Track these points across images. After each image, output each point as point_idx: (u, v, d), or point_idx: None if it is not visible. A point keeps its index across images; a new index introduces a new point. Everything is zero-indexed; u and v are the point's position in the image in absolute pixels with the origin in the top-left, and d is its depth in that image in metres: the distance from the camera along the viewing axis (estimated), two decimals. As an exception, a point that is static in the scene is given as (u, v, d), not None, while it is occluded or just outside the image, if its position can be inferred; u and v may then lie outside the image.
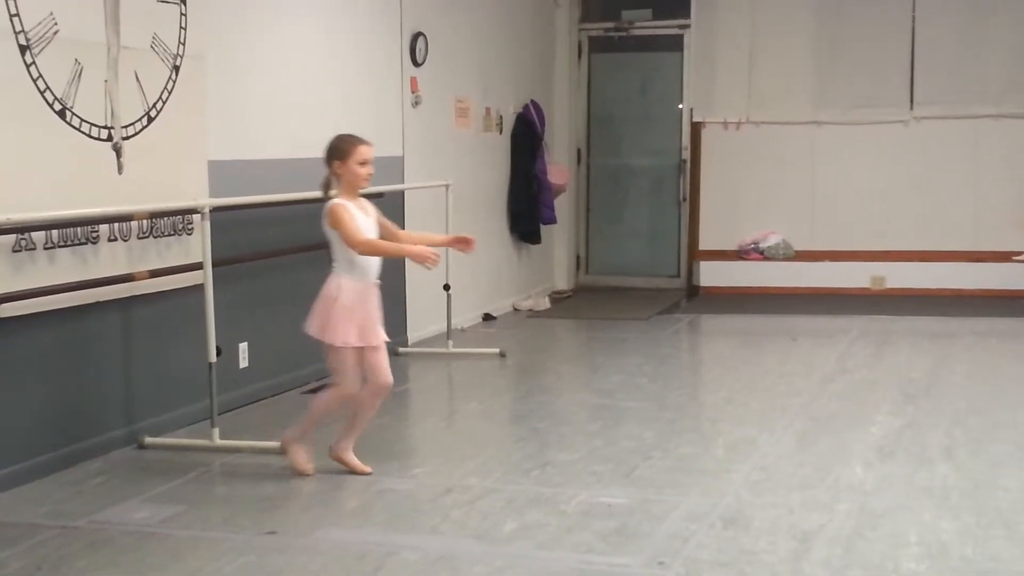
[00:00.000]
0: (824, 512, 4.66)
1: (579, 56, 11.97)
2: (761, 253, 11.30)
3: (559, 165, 11.15)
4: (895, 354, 8.17)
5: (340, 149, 5.11)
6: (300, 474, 5.21)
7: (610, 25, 11.93)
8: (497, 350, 8.18)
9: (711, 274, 11.35)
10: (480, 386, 7.43)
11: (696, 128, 11.66)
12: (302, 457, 5.24)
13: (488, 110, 10.01)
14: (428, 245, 5.26)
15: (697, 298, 11.12)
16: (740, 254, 11.39)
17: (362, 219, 5.12)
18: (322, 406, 5.28)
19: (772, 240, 11.28)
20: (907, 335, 8.90)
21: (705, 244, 11.58)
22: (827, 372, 7.48)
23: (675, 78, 11.81)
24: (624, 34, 11.89)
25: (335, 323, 5.06)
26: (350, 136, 5.18)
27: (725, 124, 11.56)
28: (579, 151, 12.00)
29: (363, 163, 5.11)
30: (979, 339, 8.75)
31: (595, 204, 12.07)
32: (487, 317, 9.76)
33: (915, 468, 5.29)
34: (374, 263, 5.17)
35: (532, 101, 10.74)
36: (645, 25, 11.87)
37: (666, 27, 11.83)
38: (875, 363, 7.86)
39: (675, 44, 11.80)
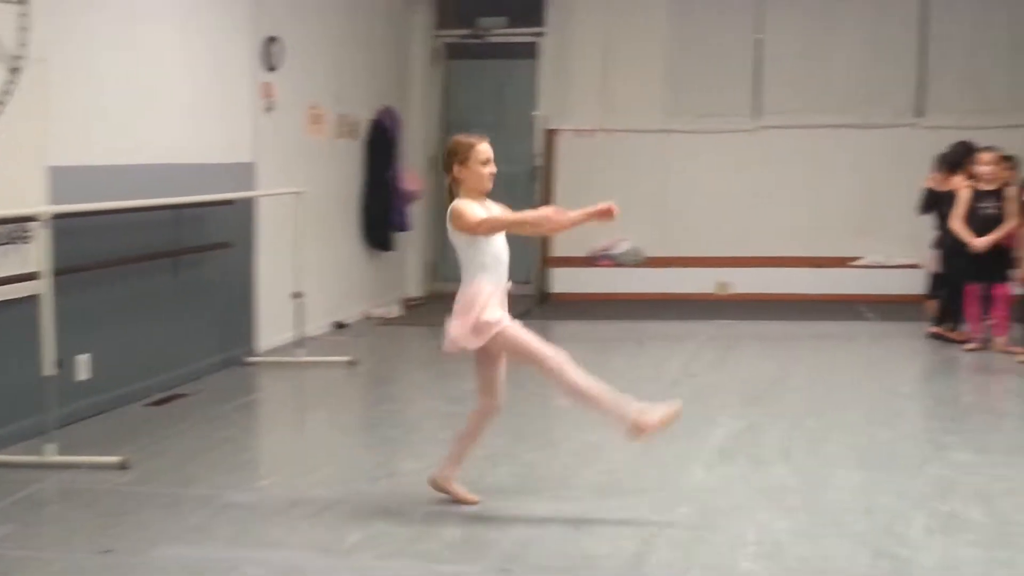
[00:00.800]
0: (666, 515, 4.76)
1: (435, 63, 11.98)
2: (612, 259, 11.47)
3: (414, 172, 11.14)
4: (739, 358, 8.38)
5: (459, 151, 4.79)
6: (470, 502, 4.92)
7: (466, 32, 11.97)
8: (348, 358, 8.12)
9: (563, 280, 11.48)
10: (330, 395, 7.37)
11: (550, 135, 11.78)
12: (461, 488, 4.97)
13: (342, 116, 9.94)
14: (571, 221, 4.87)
15: (549, 304, 11.23)
16: (591, 260, 11.54)
17: (483, 212, 4.76)
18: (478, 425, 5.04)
19: (623, 247, 11.47)
20: (751, 339, 9.15)
21: (557, 251, 11.71)
22: (674, 376, 7.63)
23: (530, 85, 11.92)
24: (480, 41, 11.95)
25: (478, 329, 4.76)
26: (466, 136, 4.85)
27: (579, 131, 11.71)
28: (434, 158, 12.00)
29: (486, 162, 4.80)
30: (818, 342, 9.04)
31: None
32: (338, 325, 9.69)
33: (754, 469, 5.44)
34: (504, 263, 4.86)
35: (387, 107, 10.71)
36: (500, 32, 11.95)
37: (521, 35, 11.93)
38: (720, 367, 8.06)
39: (530, 52, 11.91)
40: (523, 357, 4.89)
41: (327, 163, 9.61)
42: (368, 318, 10.27)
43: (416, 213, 11.19)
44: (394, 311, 10.53)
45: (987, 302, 8.34)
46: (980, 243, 8.05)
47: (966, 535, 4.48)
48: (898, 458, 5.61)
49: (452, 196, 4.84)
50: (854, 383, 7.41)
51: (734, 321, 9.86)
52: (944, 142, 9.29)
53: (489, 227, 4.73)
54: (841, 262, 11.12)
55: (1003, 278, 8.11)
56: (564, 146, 11.79)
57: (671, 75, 11.57)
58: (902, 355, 8.39)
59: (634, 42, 11.63)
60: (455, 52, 12.08)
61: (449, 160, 4.81)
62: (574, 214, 4.75)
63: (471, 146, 4.79)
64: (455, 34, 12.01)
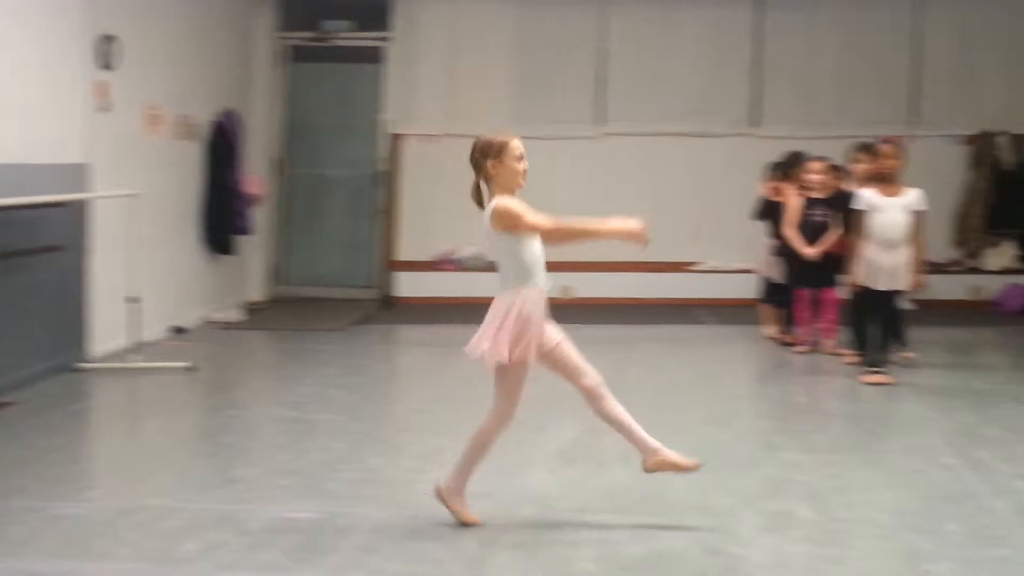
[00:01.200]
0: (507, 519, 4.78)
1: (278, 65, 11.82)
2: (456, 263, 11.49)
3: (256, 175, 10.96)
4: (581, 361, 8.47)
5: (492, 147, 4.60)
6: (471, 524, 4.71)
7: (310, 35, 11.85)
8: (186, 364, 7.94)
9: (407, 284, 11.46)
10: (166, 402, 7.18)
11: (396, 140, 11.74)
12: (467, 509, 4.75)
13: (182, 117, 9.71)
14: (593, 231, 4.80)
15: (393, 308, 11.19)
16: (435, 264, 11.55)
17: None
18: (484, 438, 4.80)
19: (467, 251, 11.50)
20: (592, 342, 9.15)
21: (402, 255, 11.68)
22: (516, 380, 7.65)
23: (375, 90, 11.87)
24: (324, 44, 11.84)
25: (517, 338, 4.61)
26: (498, 133, 4.69)
27: (424, 137, 11.70)
28: (277, 161, 11.84)
29: (520, 158, 4.64)
30: (657, 345, 9.22)
31: (293, 214, 11.95)
32: (177, 330, 9.46)
33: (594, 472, 5.51)
34: (543, 266, 4.71)
35: (229, 109, 10.51)
36: (346, 36, 11.86)
37: (367, 39, 11.87)
38: (562, 371, 8.13)
39: (376, 56, 11.85)
40: (568, 373, 4.79)
41: (166, 165, 9.38)
42: (209, 323, 10.05)
43: (258, 216, 11.01)
44: (235, 316, 10.34)
45: (817, 307, 8.63)
46: (811, 251, 8.33)
47: (795, 532, 4.62)
48: (732, 458, 5.76)
49: (479, 195, 4.71)
50: (691, 385, 7.58)
51: (576, 325, 9.87)
52: (777, 151, 9.60)
53: (558, 233, 4.64)
54: (680, 267, 11.37)
55: (832, 283, 8.40)
56: (409, 151, 11.77)
57: (517, 82, 11.66)
58: (737, 358, 8.63)
59: (480, 48, 11.69)
60: (299, 55, 11.94)
61: (482, 157, 4.63)
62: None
63: (505, 143, 4.62)
64: (299, 36, 11.88)
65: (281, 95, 11.87)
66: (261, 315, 10.75)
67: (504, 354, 4.62)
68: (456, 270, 11.48)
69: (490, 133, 4.69)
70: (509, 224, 4.56)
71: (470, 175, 12.41)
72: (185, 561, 4.25)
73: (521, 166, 4.64)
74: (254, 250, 11.33)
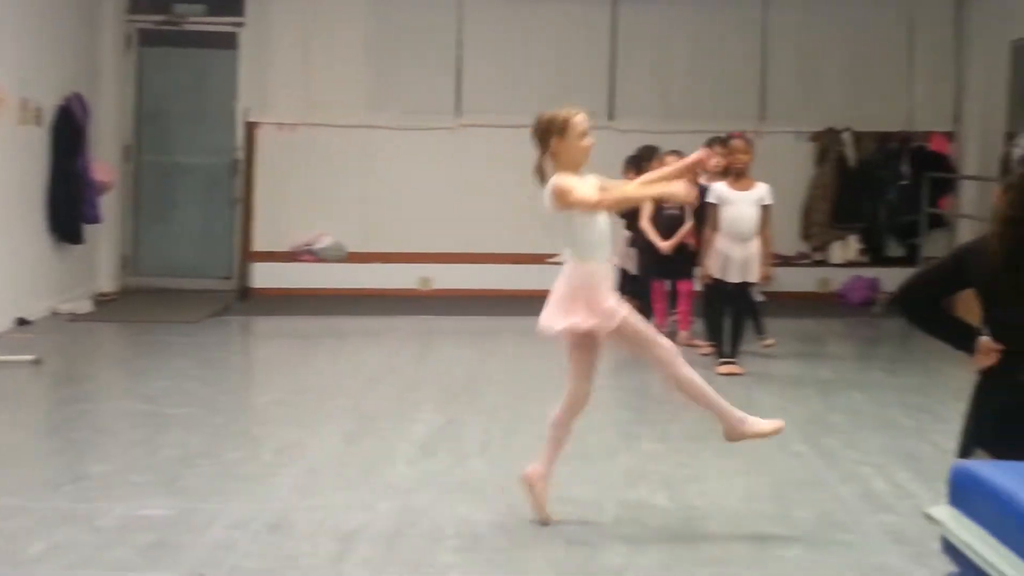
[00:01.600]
0: (367, 512, 4.75)
1: (128, 49, 11.48)
2: (314, 254, 11.36)
3: (105, 162, 10.63)
4: (440, 353, 8.49)
5: (556, 124, 4.50)
6: (543, 521, 4.60)
7: (161, 18, 11.53)
8: (32, 357, 7.65)
9: (264, 275, 11.26)
10: (11, 396, 6.90)
11: (251, 128, 11.53)
12: (545, 502, 4.64)
13: (25, 101, 9.35)
14: (663, 180, 4.72)
15: (250, 300, 10.99)
16: (294, 255, 11.39)
17: (588, 186, 4.53)
18: (564, 421, 4.72)
19: (325, 242, 11.38)
20: (451, 334, 9.28)
21: (258, 245, 11.48)
22: (375, 372, 7.63)
23: (230, 76, 11.62)
24: (176, 28, 11.54)
25: (588, 314, 4.51)
26: (561, 110, 4.55)
27: (280, 125, 11.52)
28: (127, 147, 11.51)
29: (583, 135, 4.51)
30: (515, 337, 9.24)
31: (144, 202, 11.63)
32: (21, 322, 9.11)
33: (454, 463, 5.51)
34: (607, 242, 4.62)
35: (76, 93, 10.16)
36: (198, 20, 11.58)
37: (220, 24, 11.60)
38: (421, 362, 8.13)
39: (229, 42, 11.61)
40: (641, 345, 4.64)
41: (8, 151, 9.03)
42: (56, 314, 9.70)
43: (107, 204, 10.67)
44: (84, 307, 10.01)
45: (672, 298, 8.79)
46: (666, 245, 8.46)
47: (652, 520, 4.71)
48: (589, 448, 5.80)
49: (541, 174, 4.63)
50: (550, 376, 7.59)
51: (435, 317, 9.97)
52: (632, 144, 9.74)
53: (614, 202, 4.57)
54: (539, 258, 11.44)
55: (686, 275, 8.56)
56: (265, 139, 11.57)
57: (374, 71, 11.57)
58: (595, 349, 8.70)
59: (336, 36, 11.55)
60: (150, 39, 11.61)
61: (545, 134, 4.55)
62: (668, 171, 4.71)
63: (568, 118, 4.53)
64: (150, 20, 11.55)
65: (131, 80, 11.53)
66: (111, 306, 10.44)
67: (579, 328, 4.53)
68: (314, 261, 11.34)
69: (553, 109, 4.63)
70: (562, 201, 4.51)
71: (328, 164, 12.31)
72: (32, 561, 4.11)
73: (585, 142, 4.56)
74: (103, 239, 10.99)
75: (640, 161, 9.06)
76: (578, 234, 4.58)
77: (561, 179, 4.51)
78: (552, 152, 4.57)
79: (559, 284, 4.65)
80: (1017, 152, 3.24)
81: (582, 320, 4.53)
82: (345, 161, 11.52)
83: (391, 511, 4.77)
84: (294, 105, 11.53)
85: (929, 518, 1.57)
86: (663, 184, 4.75)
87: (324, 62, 11.53)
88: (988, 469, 1.62)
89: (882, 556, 4.35)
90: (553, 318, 4.62)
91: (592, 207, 4.50)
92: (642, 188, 4.85)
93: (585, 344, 4.64)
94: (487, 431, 6.14)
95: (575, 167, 4.58)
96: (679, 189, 4.61)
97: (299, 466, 5.43)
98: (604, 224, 4.65)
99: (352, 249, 11.45)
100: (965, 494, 1.66)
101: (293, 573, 4.10)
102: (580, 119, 4.56)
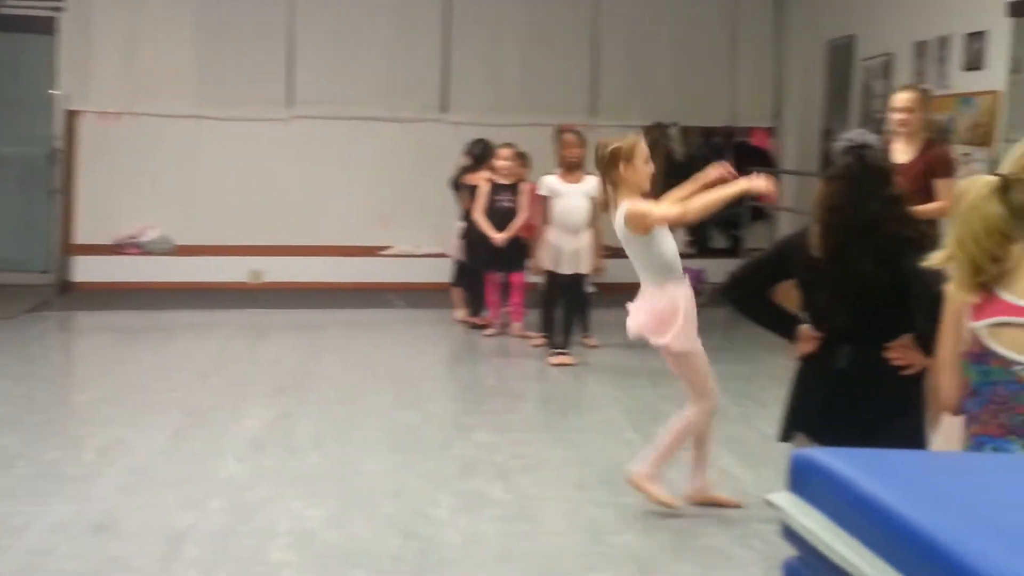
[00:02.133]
0: (197, 510, 4.64)
1: (-66, 31, 10.92)
2: (140, 247, 11.03)
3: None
4: (271, 347, 8.34)
5: (623, 151, 4.63)
6: (670, 506, 4.64)
7: (-27, 0, 11.01)
8: None
9: (87, 269, 10.85)
10: None
11: (71, 116, 11.11)
12: (664, 491, 4.67)
13: None
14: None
15: (71, 294, 10.58)
16: (118, 248, 11.03)
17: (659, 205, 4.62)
18: (685, 428, 4.65)
19: (151, 234, 11.04)
20: (283, 328, 9.13)
21: (80, 238, 11.07)
22: (204, 367, 7.44)
23: (48, 63, 11.16)
24: (-10, 11, 11.04)
25: (686, 328, 4.54)
26: (625, 136, 4.74)
27: (103, 114, 11.14)
28: (-64, 135, 10.96)
29: (647, 160, 4.68)
30: (348, 330, 9.19)
31: (-45, 193, 11.09)
32: None
33: (287, 459, 5.42)
34: (679, 258, 4.66)
35: None
36: (14, 4, 11.08)
37: (37, 8, 11.12)
38: (252, 356, 7.97)
39: (47, 27, 11.13)
40: (694, 383, 4.69)
41: None
42: None
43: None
44: None
45: (505, 290, 8.85)
46: (499, 237, 8.51)
47: (488, 511, 4.73)
48: (424, 440, 5.82)
49: (606, 201, 4.76)
50: (383, 369, 7.59)
51: (266, 310, 9.79)
52: (466, 137, 9.76)
53: (696, 212, 4.57)
54: (372, 251, 11.38)
55: (519, 267, 8.63)
56: (87, 129, 11.16)
57: (201, 60, 11.27)
58: (429, 341, 8.71)
59: (162, 23, 11.21)
60: (-40, 22, 11.07)
61: (612, 162, 4.66)
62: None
63: (634, 145, 4.69)
64: (-40, 2, 11.01)
65: (-59, 64, 10.97)
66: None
67: (693, 346, 4.62)
68: (140, 254, 11.00)
69: (615, 137, 4.79)
70: (641, 225, 4.59)
71: (155, 155, 11.93)
72: None
73: (649, 168, 4.73)
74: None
75: (474, 154, 9.07)
76: (655, 258, 4.68)
77: (634, 203, 4.62)
78: (620, 179, 4.69)
79: (664, 302, 4.67)
80: (839, 145, 3.39)
81: (684, 339, 4.63)
82: (172, 152, 11.21)
83: (222, 509, 4.67)
84: (118, 93, 11.15)
85: (769, 504, 1.61)
86: (744, 182, 4.67)
87: (149, 49, 11.17)
88: (826, 456, 1.67)
89: (710, 539, 4.47)
90: (666, 334, 4.67)
91: (679, 219, 4.64)
92: (721, 192, 4.71)
93: (699, 358, 4.71)
94: (320, 425, 6.06)
95: (640, 191, 4.72)
96: (761, 184, 4.58)
97: (124, 465, 5.26)
98: (673, 242, 4.78)
99: (180, 242, 11.15)
100: (804, 480, 1.71)
101: (119, 575, 3.97)
102: (643, 146, 4.76)
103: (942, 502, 1.63)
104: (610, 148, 4.71)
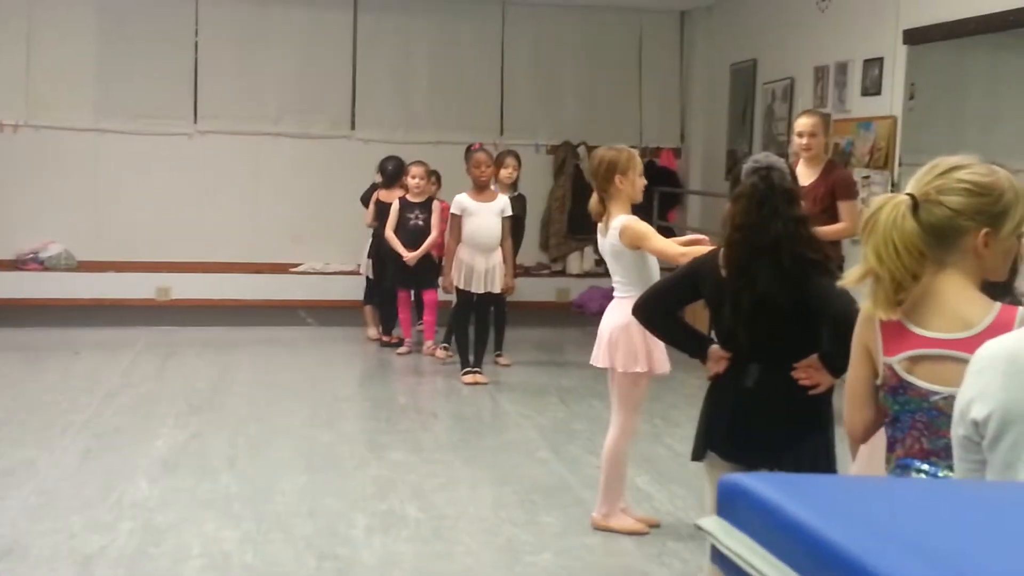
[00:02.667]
0: (107, 532, 4.58)
1: None
2: (41, 263, 10.79)
3: None
4: (180, 365, 8.22)
5: (621, 162, 4.62)
6: (644, 531, 4.75)
7: None
8: None
9: (-16, 285, 10.60)
10: None
11: (-33, 128, 10.86)
12: (632, 520, 4.78)
13: None
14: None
15: (-31, 311, 10.32)
16: (18, 264, 10.79)
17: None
18: (617, 452, 4.70)
19: (53, 250, 10.82)
20: (192, 345, 9.01)
21: (-22, 254, 10.82)
22: (111, 386, 7.31)
23: (-59, 73, 10.89)
24: None
25: (641, 350, 4.56)
26: (620, 147, 4.71)
27: (1, 127, 10.90)
28: None
29: (641, 173, 4.68)
30: (260, 347, 9.10)
31: None
32: None
33: (199, 480, 5.36)
34: None
35: None
36: (-93, 14, 10.80)
37: (-68, 17, 10.86)
38: (161, 375, 7.85)
39: (-59, 35, 10.87)
40: (626, 405, 4.72)
41: None
42: None
43: None
44: None
45: (417, 308, 8.85)
46: (410, 256, 8.52)
47: (404, 531, 4.74)
48: (339, 460, 5.80)
49: (601, 211, 4.71)
50: (296, 387, 7.54)
51: (174, 327, 9.65)
52: (375, 154, 9.75)
53: (691, 259, 4.33)
54: (282, 268, 11.29)
55: (431, 285, 8.64)
56: (-16, 141, 10.91)
57: (103, 73, 11.08)
58: (341, 359, 8.67)
59: (61, 36, 10.99)
60: None
61: (609, 172, 4.64)
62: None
63: (631, 156, 4.68)
64: None
65: None
66: None
67: (633, 365, 4.62)
68: (41, 270, 10.77)
69: (610, 147, 4.75)
70: (633, 245, 4.62)
71: (55, 168, 11.62)
72: None
73: (642, 181, 4.74)
74: None
75: (394, 177, 9.03)
76: (643, 274, 4.66)
77: (635, 222, 4.65)
78: (614, 189, 4.68)
79: (620, 321, 4.61)
80: (746, 167, 3.48)
81: (643, 362, 4.64)
82: (73, 165, 11.01)
83: (133, 531, 4.61)
84: (15, 105, 10.92)
85: (699, 528, 1.65)
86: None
87: (49, 62, 10.96)
88: (753, 481, 1.71)
89: (626, 558, 4.53)
90: (627, 357, 4.65)
91: (673, 258, 4.54)
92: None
93: (642, 380, 4.73)
94: (233, 445, 6.00)
95: (631, 204, 4.73)
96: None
97: (30, 487, 5.16)
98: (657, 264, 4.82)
99: (82, 257, 10.94)
100: (732, 505, 1.75)
101: (21, 601, 3.90)
102: (638, 158, 4.77)
103: (868, 525, 1.69)
104: (607, 159, 4.71)
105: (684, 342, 3.86)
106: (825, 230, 6.06)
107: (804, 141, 6.36)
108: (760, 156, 3.62)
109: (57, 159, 10.94)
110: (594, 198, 4.81)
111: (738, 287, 3.49)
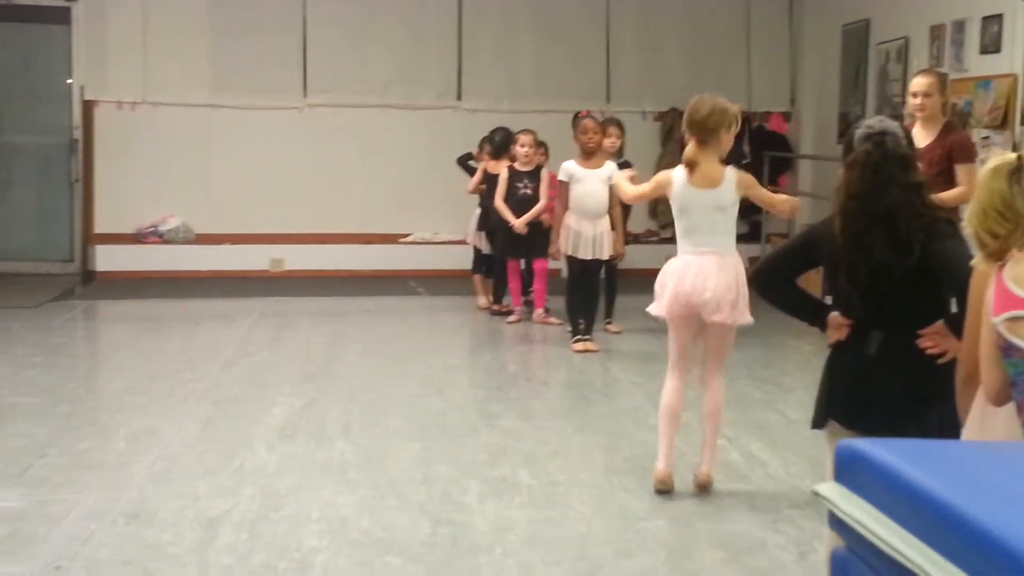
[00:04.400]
0: (229, 497, 4.70)
1: (-48, 24, 10.97)
2: (160, 236, 11.09)
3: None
4: (295, 335, 8.39)
5: (732, 115, 4.69)
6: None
7: (-13, -8, 11.04)
8: None
9: (108, 258, 10.93)
10: None
11: (88, 106, 11.17)
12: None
13: None
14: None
15: (94, 283, 10.66)
16: (139, 238, 11.10)
17: None
18: (721, 408, 4.84)
19: (171, 223, 11.11)
20: (305, 315, 9.18)
21: (101, 227, 11.14)
22: (229, 356, 7.50)
23: (64, 53, 11.21)
24: (4, 3, 11.06)
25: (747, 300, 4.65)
26: (728, 101, 4.73)
27: (120, 104, 11.19)
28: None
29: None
30: (371, 317, 9.23)
31: (-24, 184, 11.14)
32: None
33: (315, 447, 5.47)
34: None
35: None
36: (28, -5, 11.13)
37: (50, -2, 11.17)
38: (276, 345, 8.02)
39: (62, 17, 11.18)
40: (725, 357, 4.86)
41: None
42: None
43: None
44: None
45: (527, 277, 8.88)
46: (519, 223, 8.54)
47: (516, 497, 4.77)
48: (451, 428, 5.86)
49: (692, 160, 4.70)
50: (407, 356, 7.64)
51: (288, 298, 9.85)
52: (481, 124, 9.79)
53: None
54: (391, 238, 11.42)
55: (541, 254, 8.65)
56: (104, 118, 11.21)
57: (216, 50, 11.30)
58: (451, 328, 8.76)
59: (177, 13, 11.24)
60: (-24, 15, 11.10)
61: (719, 122, 4.65)
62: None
63: (738, 113, 4.75)
64: (-25, -6, 11.04)
65: (-43, 57, 11.02)
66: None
67: (748, 317, 4.70)
68: (161, 243, 11.07)
69: (714, 95, 4.75)
70: (747, 192, 4.75)
71: (172, 144, 11.88)
72: None
73: (731, 140, 4.77)
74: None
75: (502, 147, 9.06)
76: (734, 227, 4.80)
77: (744, 174, 4.76)
78: (716, 143, 4.70)
79: (732, 270, 4.72)
80: (859, 132, 3.39)
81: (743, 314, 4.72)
82: (189, 141, 11.26)
83: (254, 496, 4.73)
84: (133, 83, 11.19)
85: (817, 494, 1.65)
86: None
87: (164, 39, 11.21)
88: (872, 446, 1.70)
89: (741, 524, 4.51)
90: (740, 309, 4.71)
91: (785, 211, 4.86)
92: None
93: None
94: (347, 413, 6.11)
95: (721, 159, 4.75)
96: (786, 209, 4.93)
97: (155, 454, 5.32)
98: None
99: (199, 231, 11.21)
100: (851, 471, 1.75)
101: (156, 563, 4.03)
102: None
103: (990, 490, 1.66)
104: (720, 108, 4.69)
105: (803, 311, 3.78)
106: (942, 196, 5.92)
107: (919, 101, 6.20)
108: (873, 121, 3.54)
109: (174, 135, 11.20)
110: (692, 147, 4.73)
111: (854, 257, 3.42)
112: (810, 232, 3.77)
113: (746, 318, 4.70)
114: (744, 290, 4.67)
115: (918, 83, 6.27)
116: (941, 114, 6.35)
